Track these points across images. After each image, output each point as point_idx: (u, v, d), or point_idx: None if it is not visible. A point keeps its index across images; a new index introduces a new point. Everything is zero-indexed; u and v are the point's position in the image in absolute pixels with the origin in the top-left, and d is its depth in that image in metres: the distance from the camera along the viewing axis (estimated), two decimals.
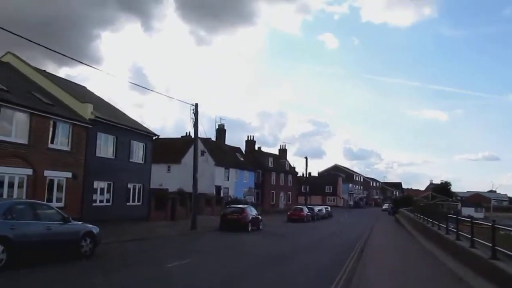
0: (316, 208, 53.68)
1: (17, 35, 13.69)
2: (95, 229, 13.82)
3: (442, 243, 16.41)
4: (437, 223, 20.17)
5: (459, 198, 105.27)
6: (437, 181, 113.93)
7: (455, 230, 15.13)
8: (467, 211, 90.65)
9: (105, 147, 26.65)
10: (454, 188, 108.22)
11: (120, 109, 32.82)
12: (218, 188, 53.95)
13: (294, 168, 79.03)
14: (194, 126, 26.66)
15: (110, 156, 27.00)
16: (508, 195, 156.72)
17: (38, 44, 14.80)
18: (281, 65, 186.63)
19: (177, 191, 46.24)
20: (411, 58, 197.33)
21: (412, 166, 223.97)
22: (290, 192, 74.69)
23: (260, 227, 29.71)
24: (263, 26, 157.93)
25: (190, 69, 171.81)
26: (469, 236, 12.57)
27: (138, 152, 30.06)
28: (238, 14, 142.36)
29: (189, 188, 49.20)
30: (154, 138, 32.00)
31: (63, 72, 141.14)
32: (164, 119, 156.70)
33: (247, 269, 12.75)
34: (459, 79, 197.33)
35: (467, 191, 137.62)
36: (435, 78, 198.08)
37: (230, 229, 26.65)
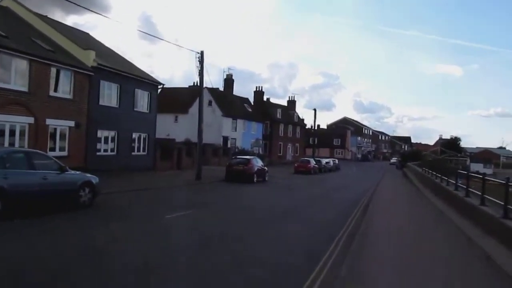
0: (324, 161, 53.40)
1: None
2: (94, 179, 13.50)
3: (450, 200, 15.98)
4: (446, 178, 19.73)
5: (468, 154, 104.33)
6: (446, 136, 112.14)
7: (464, 186, 14.68)
8: (476, 167, 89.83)
9: (109, 95, 26.08)
10: (463, 144, 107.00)
11: (126, 58, 31.97)
12: (225, 139, 53.66)
13: (303, 120, 78.44)
14: (199, 75, 25.88)
15: (113, 105, 26.48)
16: None
17: None
18: (294, 16, 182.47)
19: (184, 141, 46.25)
20: (428, 11, 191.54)
21: (422, 120, 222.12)
22: (298, 144, 74.41)
23: (266, 178, 29.50)
24: None
25: (200, 19, 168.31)
26: (479, 193, 12.09)
27: (142, 101, 29.51)
28: None
29: (196, 139, 49.38)
30: (159, 87, 31.29)
31: (71, 19, 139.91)
32: (172, 68, 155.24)
33: (247, 223, 12.44)
34: (477, 33, 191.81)
35: (477, 147, 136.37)
36: (452, 32, 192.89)
37: (236, 180, 26.44)
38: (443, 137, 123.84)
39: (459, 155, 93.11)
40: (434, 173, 25.00)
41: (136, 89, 28.44)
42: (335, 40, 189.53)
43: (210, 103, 54.53)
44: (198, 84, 59.43)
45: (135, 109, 28.49)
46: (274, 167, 51.59)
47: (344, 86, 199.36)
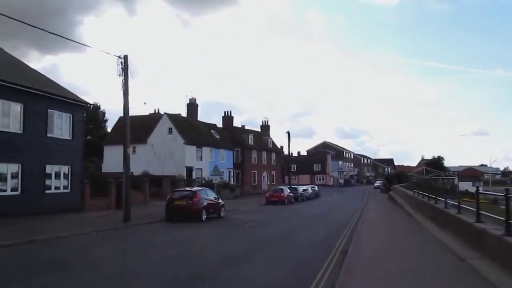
0: (301, 188, 47.70)
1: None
2: None
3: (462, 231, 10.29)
4: (449, 201, 14.38)
5: (452, 172, 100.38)
6: (428, 157, 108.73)
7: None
8: (464, 185, 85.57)
9: (6, 118, 20.04)
10: (445, 163, 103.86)
11: (45, 75, 25.98)
12: (189, 170, 47.64)
13: (282, 147, 72.06)
14: (123, 86, 20.02)
15: (15, 130, 20.40)
16: (500, 169, 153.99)
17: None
18: (269, 44, 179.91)
19: (141, 174, 40.27)
20: (399, 35, 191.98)
21: (402, 143, 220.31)
22: (274, 172, 68.47)
23: (222, 214, 23.56)
24: (249, 6, 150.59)
25: (177, 53, 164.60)
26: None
27: (61, 125, 23.49)
28: None
29: (155, 171, 43.32)
30: (86, 107, 25.28)
31: (47, 60, 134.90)
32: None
33: None
34: (447, 54, 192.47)
35: (459, 166, 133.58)
36: (423, 55, 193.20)
37: (179, 218, 20.52)
38: (425, 158, 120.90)
39: (443, 174, 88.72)
40: (430, 195, 19.45)
41: (49, 110, 22.43)
42: (313, 67, 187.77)
43: (170, 131, 48.75)
44: (160, 111, 54.26)
45: (49, 135, 22.40)
46: (246, 198, 45.77)
47: (324, 113, 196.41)
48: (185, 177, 45.08)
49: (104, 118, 68.23)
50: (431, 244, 11.98)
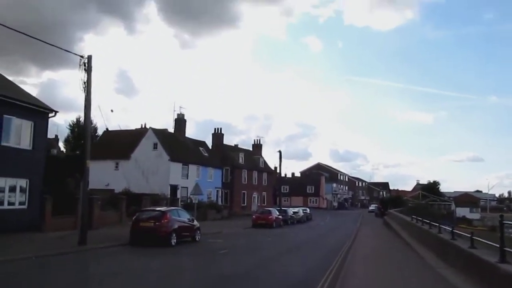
0: (291, 211, 44.89)
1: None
2: None
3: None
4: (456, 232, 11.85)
5: (447, 198, 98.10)
6: (423, 181, 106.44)
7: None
8: (462, 211, 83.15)
9: None
10: (441, 188, 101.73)
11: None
12: (173, 188, 44.89)
13: (276, 168, 68.81)
14: (85, 89, 17.54)
15: None
16: (496, 195, 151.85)
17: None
18: (267, 68, 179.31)
19: (122, 191, 37.55)
20: (395, 61, 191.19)
21: (398, 167, 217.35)
22: (265, 193, 65.68)
23: (197, 238, 20.89)
24: (247, 29, 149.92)
25: (175, 73, 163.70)
26: None
27: (20, 133, 20.95)
28: (221, 18, 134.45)
29: (138, 188, 40.52)
30: (51, 115, 22.73)
31: (46, 76, 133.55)
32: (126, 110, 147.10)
33: None
34: (443, 80, 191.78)
35: (454, 191, 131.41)
36: (419, 80, 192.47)
37: (145, 242, 17.89)
38: (420, 182, 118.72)
39: (439, 199, 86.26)
40: (432, 222, 16.97)
41: (5, 116, 19.92)
42: (307, 90, 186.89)
43: (155, 146, 46.15)
44: (146, 125, 51.70)
45: (3, 144, 19.84)
46: (232, 220, 43.01)
47: (319, 135, 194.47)
48: (168, 196, 42.33)
49: (96, 134, 66.15)
50: (438, 285, 9.42)
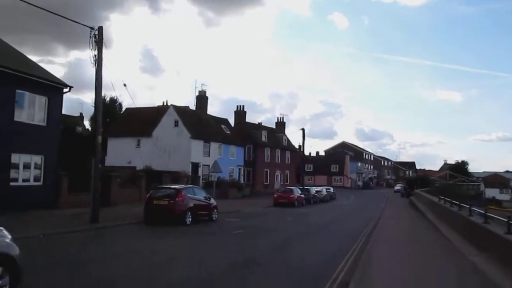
0: (313, 189, 43.99)
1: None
2: None
3: None
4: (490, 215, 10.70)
5: (476, 178, 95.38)
6: (451, 161, 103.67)
7: None
8: (491, 192, 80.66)
9: None
10: (469, 169, 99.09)
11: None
12: (195, 166, 44.40)
13: (300, 147, 67.51)
14: (95, 62, 16.79)
15: None
16: None
17: None
18: (292, 46, 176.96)
19: (143, 168, 37.29)
20: (424, 37, 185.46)
21: (425, 146, 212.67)
22: (288, 171, 64.74)
23: (214, 217, 20.24)
24: (272, 6, 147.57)
25: (200, 51, 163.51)
26: None
27: (33, 109, 20.51)
28: None
29: (160, 166, 40.18)
30: (65, 90, 22.18)
31: (73, 55, 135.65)
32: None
33: None
34: (474, 58, 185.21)
35: (483, 172, 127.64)
36: (449, 57, 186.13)
37: (159, 221, 17.36)
38: (448, 162, 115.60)
39: (467, 180, 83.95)
40: (462, 204, 15.79)
41: (18, 91, 19.45)
42: (333, 68, 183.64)
43: (176, 124, 45.57)
44: (168, 102, 51.11)
45: (16, 120, 19.42)
46: (253, 199, 42.29)
47: (345, 114, 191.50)
48: (190, 174, 41.89)
49: (121, 112, 66.40)
50: (472, 277, 8.41)
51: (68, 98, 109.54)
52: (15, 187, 19.45)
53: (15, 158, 19.53)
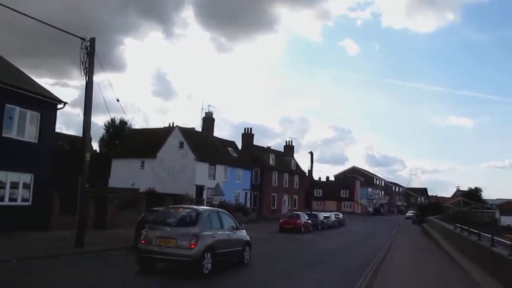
0: (321, 215, 42.33)
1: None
2: None
3: None
4: None
5: (489, 205, 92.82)
6: (463, 188, 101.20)
7: None
8: (506, 219, 77.82)
9: None
10: (483, 196, 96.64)
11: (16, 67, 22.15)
12: (199, 188, 43.11)
13: (309, 171, 65.14)
14: (86, 76, 15.76)
15: None
16: None
17: None
18: (303, 72, 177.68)
19: (146, 191, 36.18)
20: (435, 64, 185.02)
21: (437, 173, 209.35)
22: (296, 196, 63.05)
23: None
24: (284, 32, 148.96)
25: (212, 76, 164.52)
26: None
27: (23, 124, 19.47)
28: (258, 22, 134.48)
29: (164, 188, 38.86)
30: (59, 106, 21.17)
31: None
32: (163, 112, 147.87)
33: None
34: (485, 84, 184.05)
35: (497, 199, 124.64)
36: (460, 84, 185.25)
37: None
38: (461, 189, 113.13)
39: (481, 207, 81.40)
40: (482, 233, 14.22)
41: (7, 105, 18.47)
42: (343, 94, 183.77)
43: (181, 145, 44.49)
44: (174, 124, 50.14)
45: (4, 136, 18.38)
46: (259, 224, 40.58)
47: (356, 139, 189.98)
48: (194, 197, 40.58)
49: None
50: None
51: (79, 120, 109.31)
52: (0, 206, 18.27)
53: (1, 175, 18.41)
